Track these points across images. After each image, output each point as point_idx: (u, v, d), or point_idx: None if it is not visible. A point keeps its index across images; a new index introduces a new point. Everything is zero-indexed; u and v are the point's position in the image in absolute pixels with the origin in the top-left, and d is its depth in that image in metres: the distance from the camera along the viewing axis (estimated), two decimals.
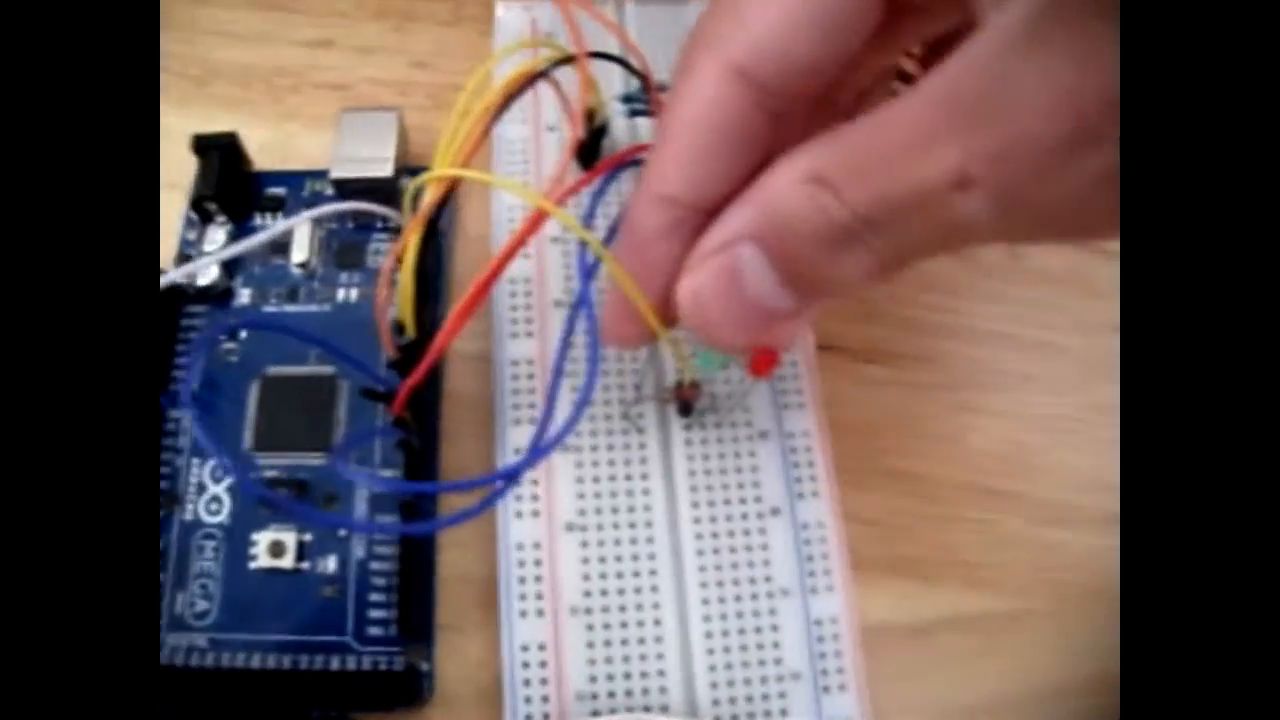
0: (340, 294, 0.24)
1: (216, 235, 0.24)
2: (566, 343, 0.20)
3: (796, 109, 0.18)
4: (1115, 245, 0.25)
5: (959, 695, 0.22)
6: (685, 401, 0.22)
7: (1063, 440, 0.24)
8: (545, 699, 0.20)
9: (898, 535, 0.23)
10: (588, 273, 0.20)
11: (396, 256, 0.21)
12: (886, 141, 0.15)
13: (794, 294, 0.16)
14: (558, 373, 0.20)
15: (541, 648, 0.21)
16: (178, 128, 0.25)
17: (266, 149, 0.26)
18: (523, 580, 0.21)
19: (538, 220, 0.20)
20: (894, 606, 0.23)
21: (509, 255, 0.20)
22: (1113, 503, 0.23)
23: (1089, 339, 0.25)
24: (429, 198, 0.21)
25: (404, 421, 0.22)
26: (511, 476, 0.19)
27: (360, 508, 0.23)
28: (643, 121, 0.25)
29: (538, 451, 0.18)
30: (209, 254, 0.23)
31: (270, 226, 0.24)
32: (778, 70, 0.17)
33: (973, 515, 0.24)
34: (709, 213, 0.17)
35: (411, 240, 0.21)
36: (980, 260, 0.26)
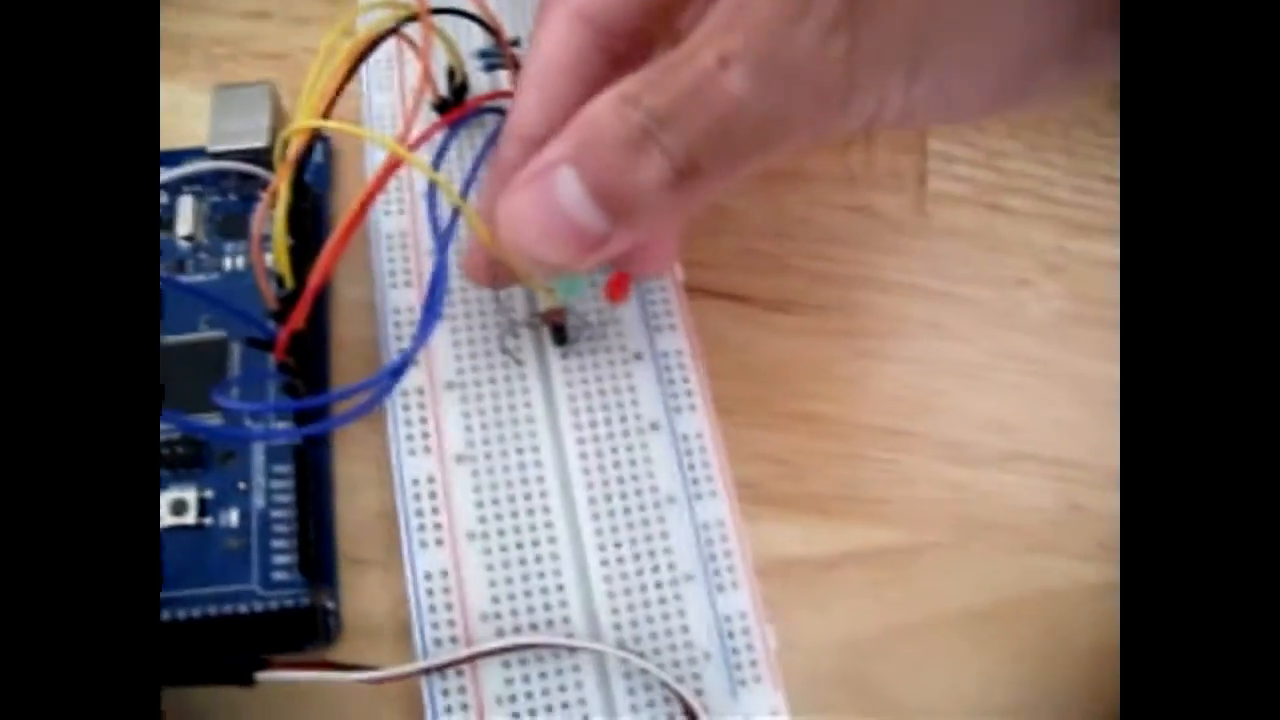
0: (227, 263, 0.25)
1: None
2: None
3: (638, 52, 0.20)
4: (1018, 204, 0.27)
5: (865, 625, 0.23)
6: (557, 327, 0.23)
7: (965, 384, 0.26)
8: (451, 623, 0.21)
9: (806, 474, 0.25)
10: (435, 212, 0.21)
11: (269, 206, 0.22)
12: (677, 54, 0.17)
13: (604, 212, 0.18)
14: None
15: (444, 574, 0.22)
16: None
17: (202, 114, 0.26)
18: (419, 513, 0.22)
19: (393, 165, 0.21)
20: (802, 541, 0.24)
21: (372, 195, 0.21)
22: (1012, 442, 0.25)
23: (994, 290, 0.27)
24: (292, 149, 0.22)
25: (288, 366, 0.22)
26: (398, 372, 0.20)
27: (258, 460, 0.23)
28: (501, 75, 0.26)
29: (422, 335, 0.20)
30: None
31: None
32: (611, 11, 0.20)
33: (877, 454, 0.25)
34: None
35: (281, 190, 0.22)
36: (889, 217, 0.27)
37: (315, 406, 0.23)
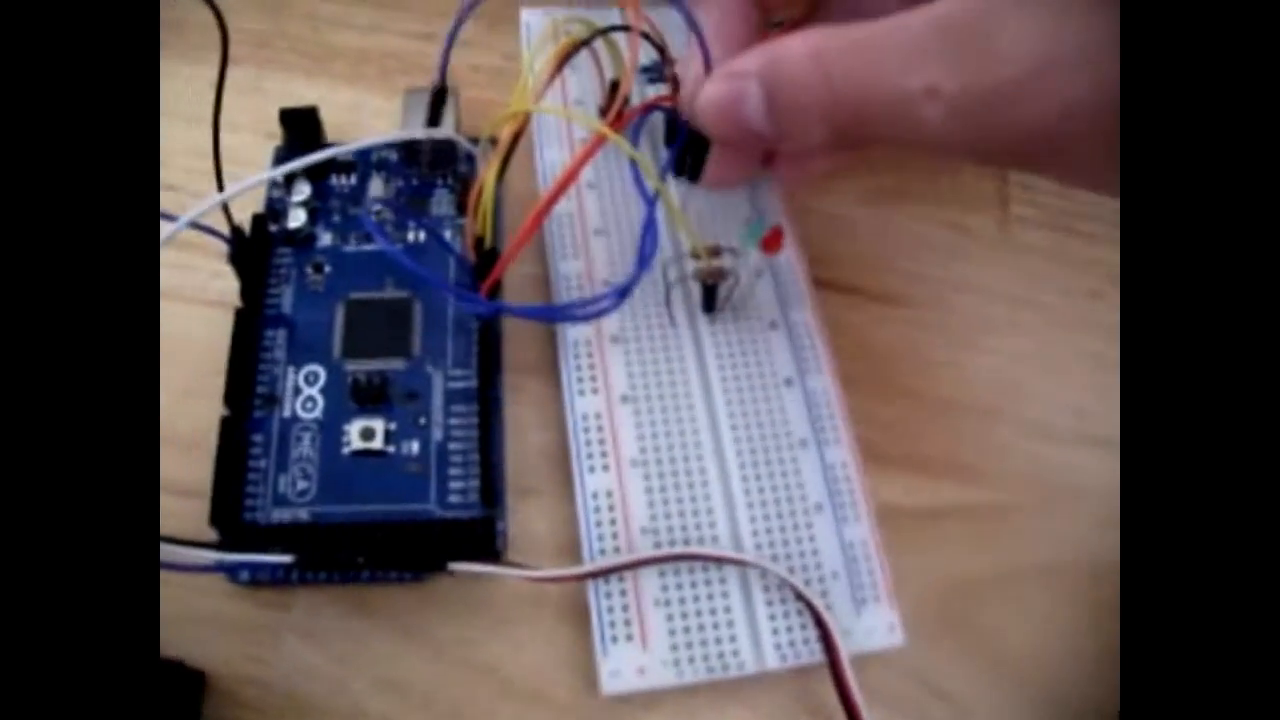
0: (410, 236, 0.29)
1: (302, 189, 0.29)
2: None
3: None
4: (1089, 228, 0.31)
5: (962, 567, 0.26)
6: (709, 290, 0.27)
7: (1046, 376, 0.29)
8: (615, 535, 0.24)
9: (908, 439, 0.28)
10: (644, 188, 0.25)
11: (480, 186, 0.26)
12: (883, 46, 0.20)
13: (774, 126, 0.23)
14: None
15: (609, 494, 0.25)
16: (306, 95, 0.31)
17: (382, 114, 0.31)
18: (589, 443, 0.25)
19: (598, 143, 0.25)
20: (907, 494, 0.27)
21: (581, 162, 0.25)
22: (1088, 425, 0.28)
23: (1068, 299, 0.30)
24: (505, 133, 0.26)
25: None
26: (624, 293, 0.25)
27: (437, 400, 0.27)
28: (659, 88, 0.31)
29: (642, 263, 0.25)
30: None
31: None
32: None
33: (971, 427, 0.28)
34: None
35: (493, 168, 0.26)
36: (976, 233, 0.31)
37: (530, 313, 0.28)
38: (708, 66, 0.25)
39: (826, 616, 0.23)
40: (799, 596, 0.24)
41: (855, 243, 0.30)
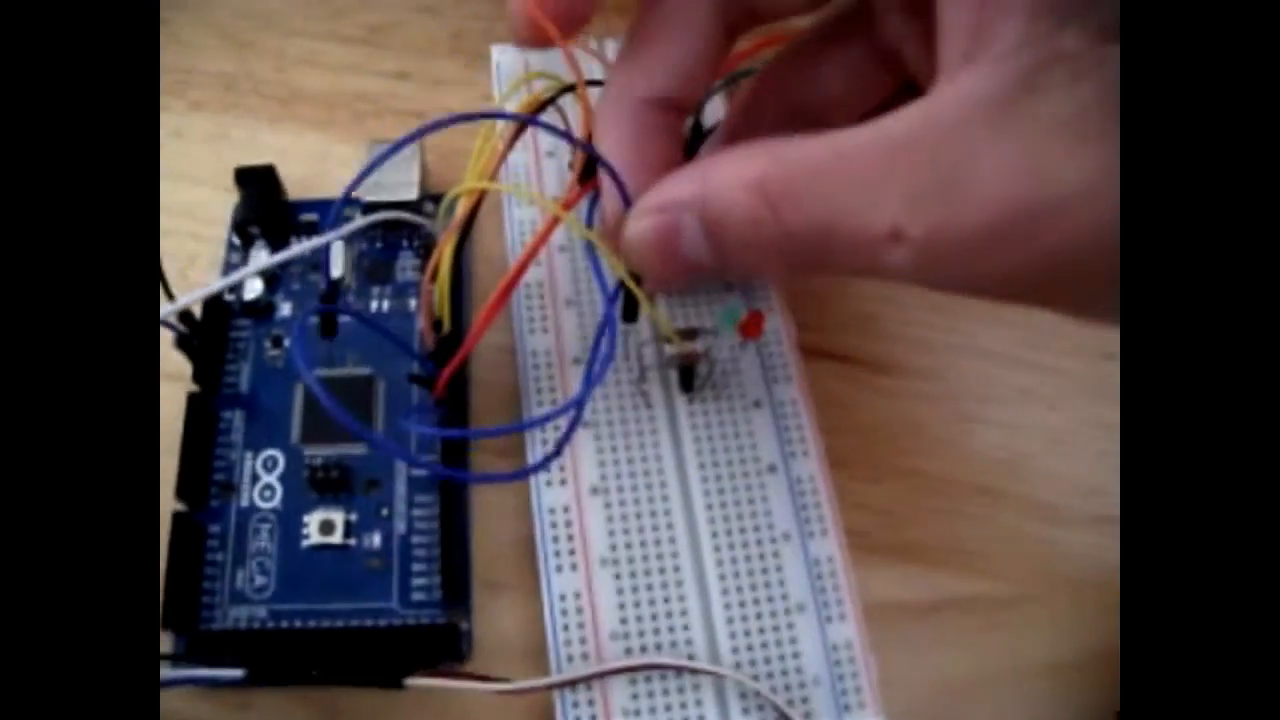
0: (373, 304, 0.27)
1: (259, 255, 0.27)
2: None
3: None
4: None
5: (959, 667, 0.25)
6: (685, 371, 0.25)
7: (1055, 449, 0.27)
8: (583, 640, 0.23)
9: (905, 524, 0.26)
10: (601, 273, 0.23)
11: (435, 263, 0.24)
12: (834, 176, 0.17)
13: (718, 259, 0.19)
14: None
15: (577, 596, 0.23)
16: (270, 144, 0.29)
17: (349, 164, 0.29)
18: (556, 539, 0.24)
19: (552, 225, 0.23)
20: (901, 586, 0.25)
21: (532, 253, 0.23)
22: (1100, 506, 0.26)
23: (1084, 363, 0.28)
24: (461, 209, 0.24)
25: (444, 402, 0.24)
26: (579, 404, 0.23)
27: (400, 489, 0.25)
28: None
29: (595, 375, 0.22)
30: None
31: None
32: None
33: (972, 510, 0.26)
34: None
35: (448, 245, 0.24)
36: None
37: (491, 434, 0.26)
38: (626, 201, 0.21)
39: None
40: (776, 708, 0.22)
41: (850, 302, 0.28)
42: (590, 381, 0.22)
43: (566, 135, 0.23)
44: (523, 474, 0.25)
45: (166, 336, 0.25)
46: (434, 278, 0.24)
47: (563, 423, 0.25)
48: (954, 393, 0.28)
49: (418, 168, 0.28)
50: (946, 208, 0.16)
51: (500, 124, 0.24)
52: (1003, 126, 0.15)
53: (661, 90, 0.21)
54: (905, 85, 0.22)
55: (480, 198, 0.24)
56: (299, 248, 0.22)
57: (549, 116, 0.25)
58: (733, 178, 0.18)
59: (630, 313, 0.25)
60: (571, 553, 0.24)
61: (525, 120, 0.24)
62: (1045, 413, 0.27)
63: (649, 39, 0.21)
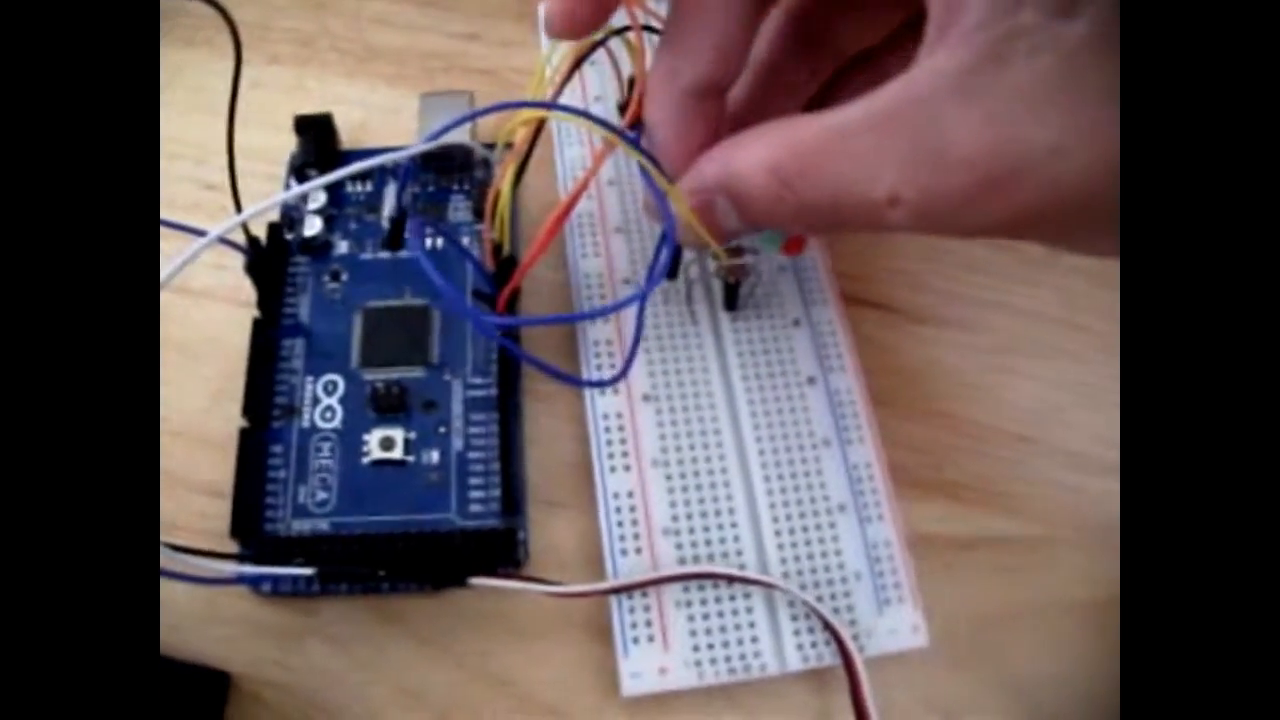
0: (428, 243, 0.29)
1: (318, 196, 0.29)
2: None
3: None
4: None
5: (994, 601, 0.25)
6: (730, 288, 0.27)
7: (1083, 402, 0.28)
8: (637, 536, 0.24)
9: (941, 462, 0.27)
10: (657, 190, 0.25)
11: (496, 189, 0.26)
12: (836, 154, 0.19)
13: (750, 225, 0.22)
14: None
15: (630, 495, 0.25)
16: (344, 95, 0.31)
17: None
18: (610, 443, 0.25)
19: (606, 151, 0.25)
20: (939, 522, 0.26)
21: (593, 172, 0.24)
22: None
23: (1112, 324, 0.29)
24: (520, 137, 0.26)
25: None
26: (643, 298, 0.24)
27: (456, 408, 0.26)
28: None
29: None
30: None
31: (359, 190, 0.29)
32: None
33: (1006, 454, 0.27)
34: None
35: (509, 171, 0.25)
36: (1024, 251, 0.30)
37: (548, 321, 0.28)
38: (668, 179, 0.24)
39: (851, 647, 0.23)
40: (825, 625, 0.23)
41: (891, 258, 0.30)
42: (654, 277, 0.24)
43: (609, 126, 0.24)
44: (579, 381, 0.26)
45: (237, 262, 0.27)
46: (495, 209, 0.26)
47: (616, 344, 0.26)
48: (990, 345, 0.29)
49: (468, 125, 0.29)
50: (932, 174, 0.18)
51: (553, 63, 0.26)
52: (971, 96, 0.17)
53: (703, 77, 0.23)
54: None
55: (539, 128, 0.26)
56: (360, 164, 0.23)
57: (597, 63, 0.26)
58: (753, 163, 0.21)
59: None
60: (625, 455, 0.25)
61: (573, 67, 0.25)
62: (1075, 367, 0.28)
63: (687, 27, 0.23)
